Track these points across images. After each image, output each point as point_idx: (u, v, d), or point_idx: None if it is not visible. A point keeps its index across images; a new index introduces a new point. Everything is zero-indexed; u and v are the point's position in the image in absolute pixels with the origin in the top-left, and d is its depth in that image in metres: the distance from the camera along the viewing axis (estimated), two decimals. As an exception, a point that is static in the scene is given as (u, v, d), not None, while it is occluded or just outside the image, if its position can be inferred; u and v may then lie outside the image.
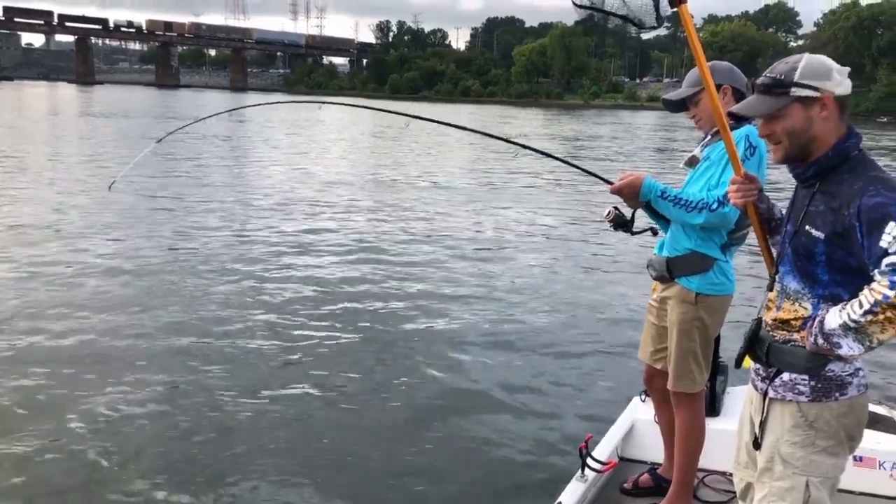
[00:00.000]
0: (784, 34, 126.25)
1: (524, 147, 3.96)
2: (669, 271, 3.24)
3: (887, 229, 1.93)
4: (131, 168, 6.41)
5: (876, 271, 1.94)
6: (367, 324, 7.84)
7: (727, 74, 3.14)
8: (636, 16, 2.57)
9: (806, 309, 2.16)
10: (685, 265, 3.19)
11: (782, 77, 2.12)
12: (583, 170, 3.88)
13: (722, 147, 3.05)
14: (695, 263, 3.17)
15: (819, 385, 2.15)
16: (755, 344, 2.30)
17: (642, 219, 3.38)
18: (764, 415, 2.25)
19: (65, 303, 8.13)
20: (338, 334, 7.46)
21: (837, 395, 2.15)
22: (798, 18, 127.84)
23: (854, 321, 1.96)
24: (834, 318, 2.02)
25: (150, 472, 4.80)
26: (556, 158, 3.94)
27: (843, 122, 2.14)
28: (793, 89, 2.10)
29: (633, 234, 3.44)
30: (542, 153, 4.01)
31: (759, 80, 2.18)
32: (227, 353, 6.83)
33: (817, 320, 2.07)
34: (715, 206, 3.01)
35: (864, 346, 1.99)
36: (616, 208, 3.38)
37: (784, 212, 2.39)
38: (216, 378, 6.28)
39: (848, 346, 2.01)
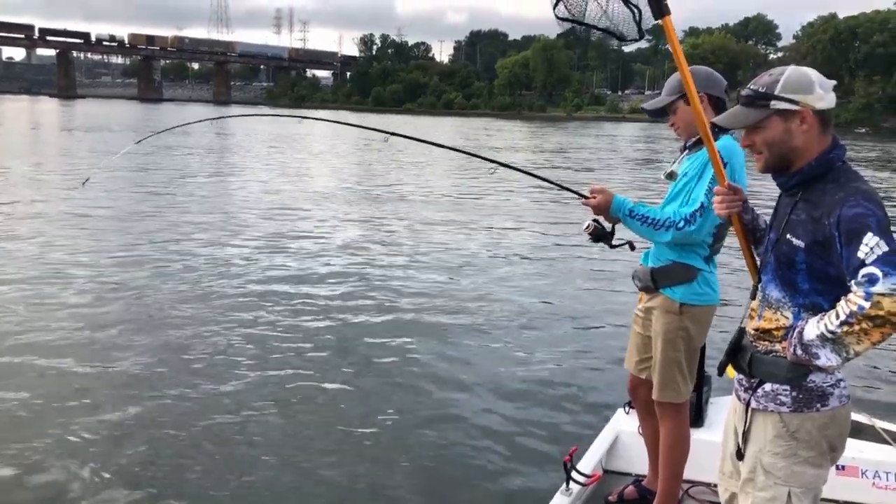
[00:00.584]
0: (764, 46, 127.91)
1: (500, 164, 3.98)
2: (654, 281, 3.25)
3: (864, 240, 1.95)
4: (108, 167, 6.35)
5: (853, 282, 1.95)
6: (350, 335, 7.82)
7: (703, 82, 3.13)
8: (617, 28, 2.58)
9: (787, 318, 2.18)
10: (669, 276, 3.20)
11: (763, 90, 2.15)
12: (556, 184, 3.89)
13: (699, 160, 3.10)
14: (679, 274, 3.18)
15: (801, 396, 2.16)
16: (737, 353, 2.32)
17: (623, 234, 3.37)
18: (747, 425, 2.26)
19: (42, 316, 8.04)
20: (322, 349, 7.40)
21: (819, 405, 2.16)
22: (777, 31, 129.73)
23: (831, 332, 1.97)
24: (812, 328, 2.03)
25: (134, 488, 4.76)
26: (531, 174, 3.94)
27: (827, 135, 2.16)
28: (773, 102, 2.13)
29: (612, 247, 3.43)
30: (518, 169, 4.04)
31: (743, 92, 2.22)
32: (209, 369, 6.77)
33: (797, 331, 2.08)
34: (682, 224, 3.04)
35: (842, 356, 2.00)
36: (596, 221, 3.38)
37: (767, 222, 2.41)
38: (198, 391, 6.22)
39: (826, 357, 2.02)
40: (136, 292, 9.14)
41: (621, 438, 3.95)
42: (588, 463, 3.66)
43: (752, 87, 2.20)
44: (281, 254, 11.84)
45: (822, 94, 2.13)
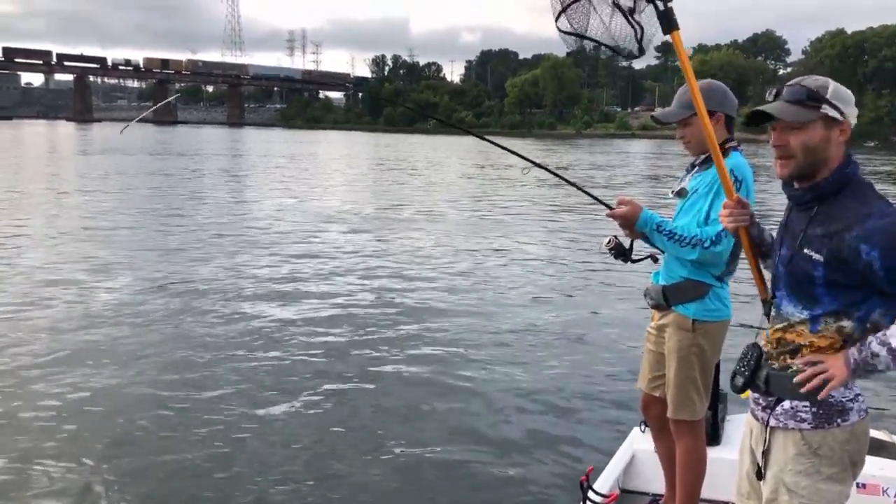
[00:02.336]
0: (773, 62, 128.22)
1: (539, 166, 3.84)
2: (666, 299, 3.24)
3: None
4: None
5: None
6: (364, 350, 7.92)
7: (721, 100, 3.14)
8: (618, 45, 2.56)
9: (804, 331, 2.17)
10: (681, 293, 3.20)
11: (816, 90, 2.11)
12: (585, 192, 3.86)
13: (710, 178, 3.11)
14: (690, 290, 3.18)
15: (821, 411, 2.15)
16: (755, 372, 2.28)
17: (643, 248, 3.41)
18: (766, 444, 2.24)
19: (55, 329, 8.32)
20: (337, 364, 7.51)
21: (839, 420, 2.14)
22: (787, 47, 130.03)
23: None
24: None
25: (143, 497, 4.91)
26: (563, 179, 3.89)
27: (843, 149, 2.18)
28: (824, 106, 2.10)
29: (633, 262, 3.42)
30: (554, 173, 3.94)
31: (789, 89, 2.16)
32: (220, 379, 6.96)
33: (876, 346, 2.03)
34: (708, 244, 3.05)
35: None
36: (616, 237, 3.37)
37: (773, 236, 2.42)
38: (209, 401, 6.43)
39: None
40: (153, 309, 9.33)
41: (638, 457, 3.90)
42: (605, 483, 3.62)
43: (801, 86, 2.14)
44: (301, 267, 12.18)
45: (855, 110, 2.16)
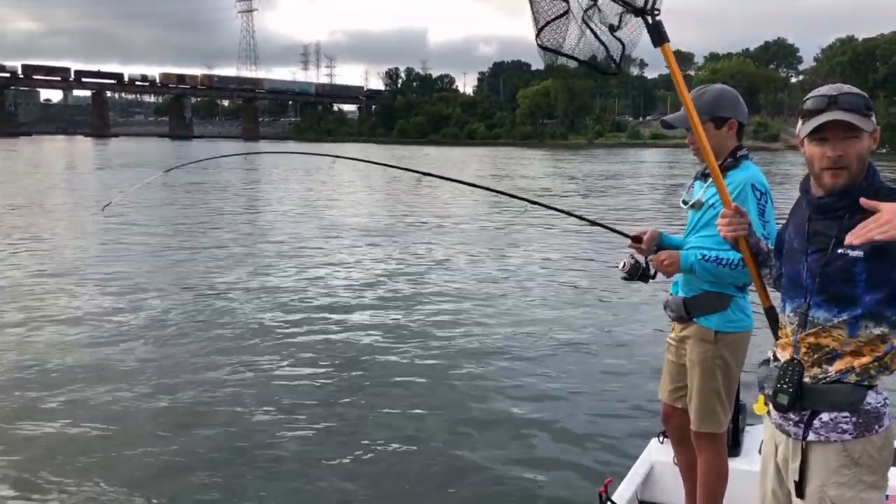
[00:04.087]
0: (785, 70, 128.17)
1: (543, 206, 4.02)
2: (687, 311, 3.21)
3: None
4: (132, 193, 6.31)
5: None
6: (378, 362, 8.01)
7: (734, 107, 3.11)
8: (599, 61, 2.56)
9: (840, 336, 2.13)
10: (702, 305, 3.17)
11: (866, 99, 2.12)
12: (603, 226, 3.85)
13: (731, 191, 3.04)
14: (712, 302, 3.15)
15: (861, 420, 2.12)
16: (799, 390, 2.19)
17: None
18: (802, 460, 2.18)
19: (73, 344, 8.49)
20: (350, 374, 7.62)
21: (877, 427, 2.13)
22: (798, 55, 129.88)
23: None
24: None
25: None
26: (575, 216, 4.00)
27: None
28: (872, 115, 2.13)
29: (652, 278, 3.39)
30: (563, 212, 4.00)
31: (846, 97, 2.11)
32: (238, 388, 7.11)
33: None
34: None
35: None
36: (632, 257, 3.36)
37: (770, 246, 2.46)
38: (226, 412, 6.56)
39: None
40: (169, 320, 9.55)
41: (656, 469, 3.88)
42: (623, 494, 3.60)
43: (852, 92, 2.13)
44: (316, 279, 12.43)
45: None
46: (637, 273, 3.35)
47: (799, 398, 2.19)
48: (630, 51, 2.55)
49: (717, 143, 3.07)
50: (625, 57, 2.58)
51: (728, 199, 2.47)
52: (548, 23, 2.56)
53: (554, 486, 5.31)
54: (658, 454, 3.93)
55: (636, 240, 3.35)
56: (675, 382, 3.39)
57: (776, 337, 2.32)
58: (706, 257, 3.08)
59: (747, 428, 3.92)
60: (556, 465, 5.62)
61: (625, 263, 3.36)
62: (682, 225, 3.41)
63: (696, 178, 3.34)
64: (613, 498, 3.50)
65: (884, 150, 73.22)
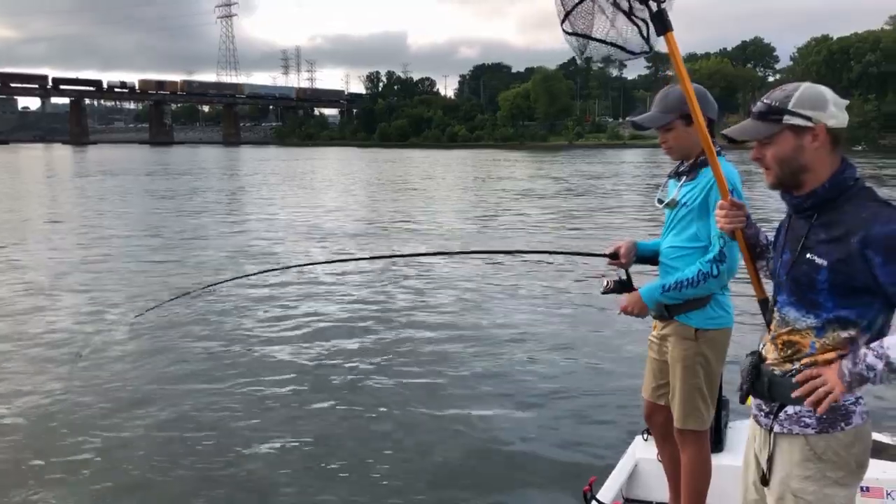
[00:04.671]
0: (762, 69, 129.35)
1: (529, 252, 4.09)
2: (667, 310, 3.22)
3: None
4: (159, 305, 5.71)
5: None
6: (361, 367, 7.99)
7: (703, 104, 3.00)
8: (626, 42, 2.53)
9: (808, 337, 2.17)
10: (682, 303, 3.17)
11: (776, 104, 2.14)
12: (580, 254, 3.86)
13: (700, 186, 3.11)
14: (691, 300, 3.15)
15: (824, 416, 2.14)
16: (757, 379, 2.28)
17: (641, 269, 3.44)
18: (771, 451, 2.23)
19: (49, 351, 8.47)
20: (338, 376, 7.63)
21: (843, 424, 2.14)
22: (775, 54, 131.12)
23: None
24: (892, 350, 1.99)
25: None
26: (559, 253, 4.07)
27: (838, 154, 2.15)
28: (785, 117, 2.12)
29: (635, 289, 3.37)
30: (543, 252, 4.15)
31: (755, 107, 2.21)
32: (219, 398, 7.08)
33: (872, 358, 2.02)
34: (715, 269, 3.04)
35: None
36: (616, 274, 3.39)
37: (769, 237, 2.44)
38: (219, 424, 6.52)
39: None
40: (143, 332, 9.40)
41: (641, 466, 3.89)
42: (608, 492, 3.60)
43: (765, 100, 2.19)
44: (305, 280, 12.51)
45: (836, 111, 2.13)
46: (620, 290, 3.34)
47: (753, 389, 2.29)
48: (655, 33, 2.51)
49: (687, 141, 3.12)
50: (652, 38, 2.53)
51: (726, 191, 2.45)
52: (572, 9, 2.55)
53: (539, 485, 5.33)
54: (642, 451, 3.94)
55: (613, 256, 3.38)
56: (657, 380, 3.41)
57: (769, 329, 2.33)
58: (666, 287, 3.14)
59: (730, 424, 3.92)
60: (540, 465, 5.65)
61: (608, 283, 3.37)
62: (663, 224, 3.40)
63: (669, 177, 3.36)
64: (598, 496, 3.52)
65: (860, 148, 74.25)
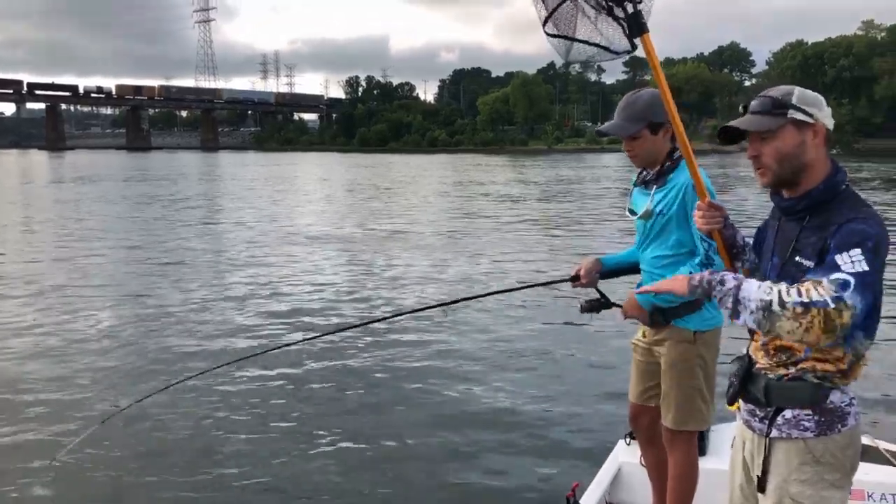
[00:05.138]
0: (739, 74, 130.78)
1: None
2: (664, 316, 3.19)
3: (853, 252, 1.95)
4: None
5: (825, 278, 1.93)
6: (343, 376, 7.99)
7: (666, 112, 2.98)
8: (610, 42, 2.47)
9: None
10: (678, 307, 3.15)
11: (780, 98, 2.14)
12: (550, 283, 3.87)
13: (672, 194, 3.09)
14: (687, 303, 3.08)
15: (823, 419, 2.14)
16: (747, 383, 2.27)
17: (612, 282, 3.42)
18: (765, 455, 2.22)
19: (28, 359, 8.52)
20: (318, 385, 7.66)
21: (840, 426, 2.14)
22: (752, 59, 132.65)
23: (782, 305, 1.90)
24: (756, 291, 1.96)
25: None
26: (529, 287, 4.04)
27: (828, 157, 2.17)
28: (790, 111, 2.12)
29: (614, 304, 3.37)
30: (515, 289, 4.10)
31: (755, 102, 2.19)
32: (197, 402, 7.07)
33: (731, 279, 2.02)
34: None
35: (761, 326, 1.98)
36: (586, 298, 3.37)
37: (747, 240, 2.44)
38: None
39: (746, 319, 1.98)
40: (122, 335, 9.48)
41: (624, 470, 3.89)
42: (591, 497, 3.60)
43: (765, 96, 2.18)
44: (285, 284, 12.60)
45: (829, 113, 2.17)
46: (598, 307, 3.34)
47: (742, 391, 2.28)
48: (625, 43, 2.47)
49: (653, 149, 3.12)
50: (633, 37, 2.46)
51: (704, 192, 2.42)
52: (553, 10, 2.49)
53: (521, 492, 5.33)
54: (625, 455, 3.95)
55: (575, 279, 3.40)
56: (645, 382, 3.39)
57: (753, 335, 2.31)
58: (658, 294, 3.08)
59: (713, 427, 3.84)
60: (522, 471, 5.65)
61: (581, 307, 3.36)
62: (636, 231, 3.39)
63: (635, 186, 3.34)
64: (581, 501, 3.52)
65: (834, 152, 74.94)
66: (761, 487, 2.23)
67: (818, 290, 1.90)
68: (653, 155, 3.14)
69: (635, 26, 2.34)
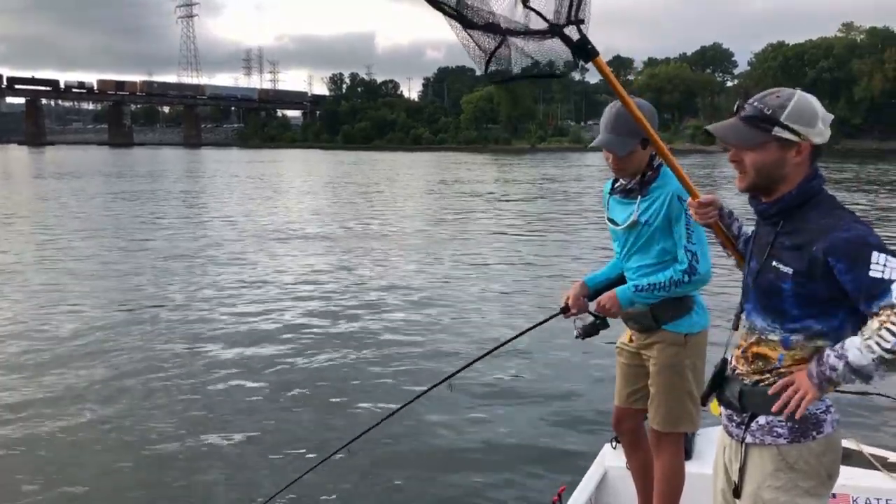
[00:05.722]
0: (721, 74, 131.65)
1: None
2: (655, 320, 3.20)
3: (874, 259, 1.94)
4: None
5: (883, 301, 1.93)
6: (323, 376, 8.03)
7: (653, 124, 2.86)
8: (548, 63, 2.41)
9: (775, 345, 2.16)
10: (670, 311, 3.17)
11: (769, 112, 2.08)
12: (543, 322, 3.79)
13: (658, 203, 3.10)
14: (678, 307, 3.17)
15: (796, 426, 2.13)
16: (723, 386, 2.29)
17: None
18: (742, 461, 2.22)
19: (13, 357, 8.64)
20: (305, 386, 7.65)
21: (815, 433, 2.14)
22: (734, 59, 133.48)
23: (890, 351, 1.90)
24: (859, 354, 1.95)
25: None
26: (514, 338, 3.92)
27: (812, 166, 2.14)
28: (776, 129, 2.07)
29: (607, 325, 3.36)
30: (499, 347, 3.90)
31: (747, 109, 2.14)
32: (179, 402, 7.20)
33: (834, 359, 2.00)
34: (687, 280, 3.08)
35: (890, 372, 1.96)
36: (580, 321, 3.36)
37: (743, 230, 2.46)
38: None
39: (878, 375, 1.97)
40: (104, 333, 9.49)
41: (609, 474, 3.90)
42: (577, 501, 3.61)
43: (757, 104, 2.11)
44: (268, 287, 12.65)
45: (822, 129, 2.10)
46: (595, 330, 3.33)
47: (714, 392, 2.32)
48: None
49: (639, 161, 3.13)
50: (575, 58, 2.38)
51: (695, 193, 2.43)
52: (491, 55, 2.40)
53: (507, 496, 5.35)
54: (611, 460, 3.94)
55: (566, 310, 3.37)
56: (631, 385, 3.38)
57: (735, 331, 2.32)
58: (639, 287, 3.14)
59: (699, 431, 3.83)
60: (508, 476, 5.68)
61: (577, 331, 3.35)
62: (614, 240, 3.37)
63: (610, 194, 3.31)
64: None
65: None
66: (737, 493, 2.24)
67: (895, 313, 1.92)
68: (637, 167, 3.15)
69: (584, 55, 2.26)
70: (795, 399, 2.06)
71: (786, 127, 2.06)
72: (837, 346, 2.02)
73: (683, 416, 3.23)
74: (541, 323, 3.70)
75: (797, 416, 2.07)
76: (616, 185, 3.27)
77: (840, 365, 1.97)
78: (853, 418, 6.19)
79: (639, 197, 3.15)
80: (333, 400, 7.43)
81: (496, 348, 3.83)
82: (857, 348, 1.95)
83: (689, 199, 2.43)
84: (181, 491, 5.56)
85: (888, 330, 1.90)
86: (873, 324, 1.94)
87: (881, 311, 1.93)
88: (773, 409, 2.10)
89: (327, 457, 3.94)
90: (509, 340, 3.87)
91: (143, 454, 6.16)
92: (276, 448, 6.24)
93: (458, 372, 3.87)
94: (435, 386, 3.78)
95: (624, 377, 3.41)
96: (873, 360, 1.93)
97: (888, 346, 1.90)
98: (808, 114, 2.08)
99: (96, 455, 6.17)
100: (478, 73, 2.49)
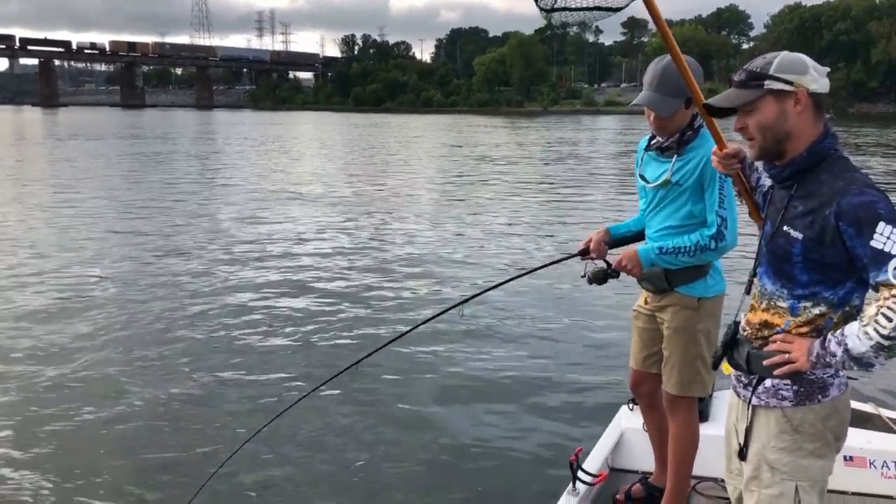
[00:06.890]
0: (737, 36, 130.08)
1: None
2: (669, 282, 3.17)
3: (879, 229, 1.93)
4: None
5: (886, 274, 1.92)
6: (342, 344, 7.90)
7: (698, 75, 2.74)
8: (605, 2, 2.37)
9: (784, 310, 2.17)
10: (684, 273, 3.13)
11: (757, 69, 2.10)
12: (550, 264, 3.86)
13: (693, 164, 3.04)
14: (693, 270, 3.12)
15: (802, 389, 2.16)
16: (733, 349, 2.31)
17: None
18: (749, 422, 2.25)
19: (26, 322, 8.51)
20: (312, 360, 7.45)
21: (820, 397, 2.16)
22: (750, 21, 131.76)
23: (888, 337, 1.91)
24: (858, 342, 1.96)
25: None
26: (524, 274, 4.01)
27: (820, 122, 2.12)
28: (766, 82, 2.09)
29: (618, 277, 3.29)
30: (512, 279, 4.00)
31: (735, 76, 2.17)
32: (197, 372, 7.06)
33: (834, 346, 2.02)
34: (713, 244, 3.02)
35: (891, 358, 1.97)
36: (592, 264, 3.31)
37: (762, 181, 2.44)
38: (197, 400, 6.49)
39: (879, 363, 1.98)
40: (122, 306, 9.25)
41: (626, 436, 3.92)
42: (594, 462, 3.64)
43: (746, 68, 2.15)
44: (281, 257, 12.41)
45: (817, 76, 2.10)
46: (604, 278, 3.27)
47: (724, 356, 2.34)
48: None
49: (681, 121, 3.06)
50: None
51: (724, 143, 2.39)
52: None
53: (525, 457, 5.45)
54: (628, 421, 3.95)
55: (584, 253, 3.32)
56: (647, 348, 3.38)
57: (748, 294, 2.33)
58: (663, 249, 3.08)
59: (716, 393, 3.81)
60: (526, 437, 5.75)
61: (586, 275, 3.30)
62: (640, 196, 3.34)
63: (646, 151, 3.26)
64: (584, 466, 3.53)
65: (828, 116, 75.04)
66: (742, 455, 2.28)
67: (894, 294, 1.91)
68: (679, 127, 3.08)
69: None
70: (785, 365, 2.13)
71: (776, 78, 2.07)
72: (839, 332, 2.04)
73: (695, 380, 3.22)
74: (557, 261, 3.71)
75: (776, 373, 2.14)
76: (653, 142, 3.22)
77: (839, 352, 2.01)
78: (871, 383, 6.11)
79: (675, 156, 3.09)
80: (350, 331, 8.00)
81: (511, 279, 4.00)
82: (855, 335, 1.97)
83: (714, 148, 2.40)
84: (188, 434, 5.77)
85: (884, 315, 1.91)
86: (871, 309, 1.95)
87: (879, 290, 1.95)
88: (765, 362, 2.18)
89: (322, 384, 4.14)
90: (524, 274, 4.02)
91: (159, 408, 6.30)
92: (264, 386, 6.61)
93: (470, 298, 3.84)
94: (448, 310, 3.80)
95: (640, 340, 3.42)
96: (871, 347, 1.94)
97: (885, 331, 1.90)
98: (798, 63, 2.09)
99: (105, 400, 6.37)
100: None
